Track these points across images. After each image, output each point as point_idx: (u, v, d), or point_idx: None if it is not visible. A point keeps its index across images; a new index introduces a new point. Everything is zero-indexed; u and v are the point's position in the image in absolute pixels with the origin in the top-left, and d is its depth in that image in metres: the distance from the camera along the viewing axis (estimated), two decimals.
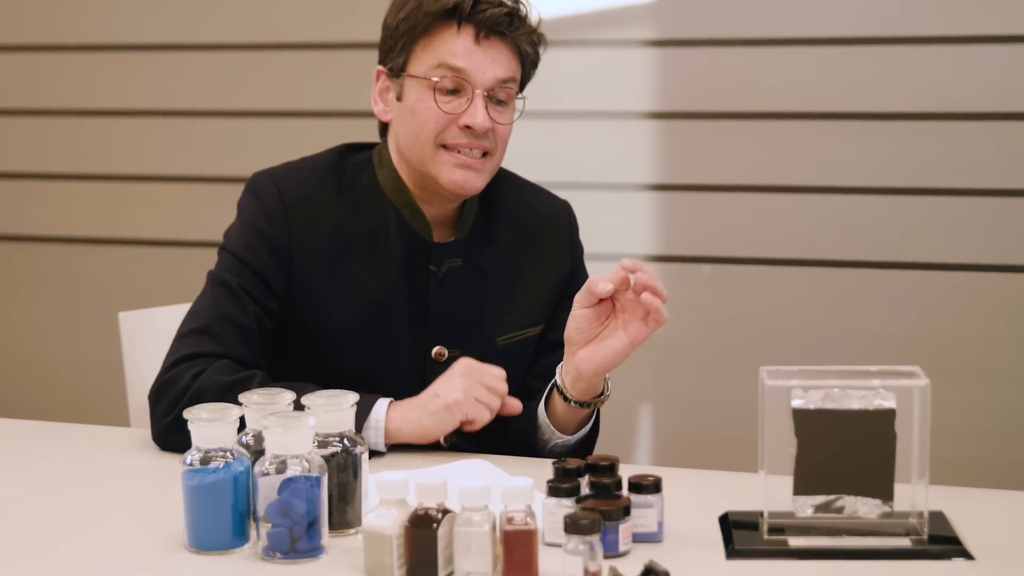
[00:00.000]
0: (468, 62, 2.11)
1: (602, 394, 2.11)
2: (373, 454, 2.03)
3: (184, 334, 2.15)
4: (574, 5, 3.41)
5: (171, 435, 2.06)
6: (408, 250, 2.19)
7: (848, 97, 3.24)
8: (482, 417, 2.05)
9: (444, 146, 2.13)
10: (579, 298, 2.03)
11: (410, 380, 2.18)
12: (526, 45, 2.16)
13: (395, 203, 2.20)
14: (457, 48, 2.11)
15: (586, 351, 2.03)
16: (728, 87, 3.31)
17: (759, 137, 3.30)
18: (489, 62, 2.12)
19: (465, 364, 2.08)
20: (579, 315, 2.03)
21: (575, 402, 2.10)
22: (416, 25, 2.13)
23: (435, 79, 2.11)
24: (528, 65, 2.19)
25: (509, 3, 2.14)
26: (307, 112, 3.60)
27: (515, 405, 2.11)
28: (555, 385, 2.12)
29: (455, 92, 2.12)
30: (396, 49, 2.16)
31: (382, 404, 2.05)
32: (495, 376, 2.07)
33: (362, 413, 2.02)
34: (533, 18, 2.18)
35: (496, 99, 2.14)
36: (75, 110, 3.79)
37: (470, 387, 2.05)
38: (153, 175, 3.75)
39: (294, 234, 2.17)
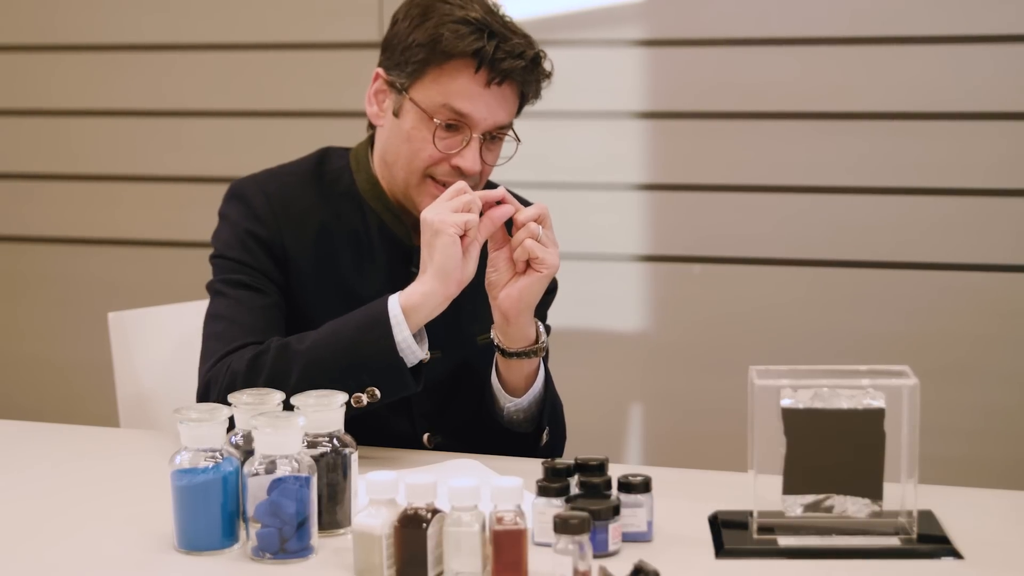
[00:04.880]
0: (473, 107, 2.09)
1: (537, 341, 2.12)
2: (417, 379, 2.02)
3: (209, 338, 2.13)
4: (563, 5, 3.41)
5: None
6: (389, 253, 2.20)
7: (838, 97, 3.25)
8: (471, 219, 1.99)
9: (431, 177, 2.14)
10: (490, 240, 2.06)
11: None
12: (531, 89, 2.16)
13: (375, 208, 2.21)
14: (465, 91, 2.09)
15: (505, 290, 2.06)
16: (718, 87, 3.31)
17: (749, 137, 3.31)
18: (493, 108, 2.11)
19: (422, 216, 2.02)
20: (493, 257, 2.07)
21: (511, 353, 2.10)
22: (431, 58, 2.10)
23: (437, 122, 2.10)
24: (527, 102, 2.19)
25: (528, 55, 2.11)
26: (296, 112, 3.59)
27: (503, 209, 2.04)
28: (493, 344, 2.13)
29: (452, 129, 2.11)
30: (405, 69, 2.12)
31: (392, 300, 2.02)
32: (450, 192, 2.02)
33: (380, 327, 2.00)
34: (546, 64, 2.16)
35: (490, 136, 2.14)
36: (65, 110, 3.78)
37: (438, 215, 2.00)
38: (143, 175, 3.74)
39: (285, 234, 2.18)
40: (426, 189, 2.13)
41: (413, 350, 2.01)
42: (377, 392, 2.00)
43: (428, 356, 2.04)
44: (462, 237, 1.99)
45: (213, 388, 2.05)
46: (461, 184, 2.02)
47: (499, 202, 2.03)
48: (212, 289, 2.19)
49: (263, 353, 2.03)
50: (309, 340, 2.03)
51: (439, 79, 2.11)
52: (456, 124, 2.11)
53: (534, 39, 2.16)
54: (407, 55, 2.12)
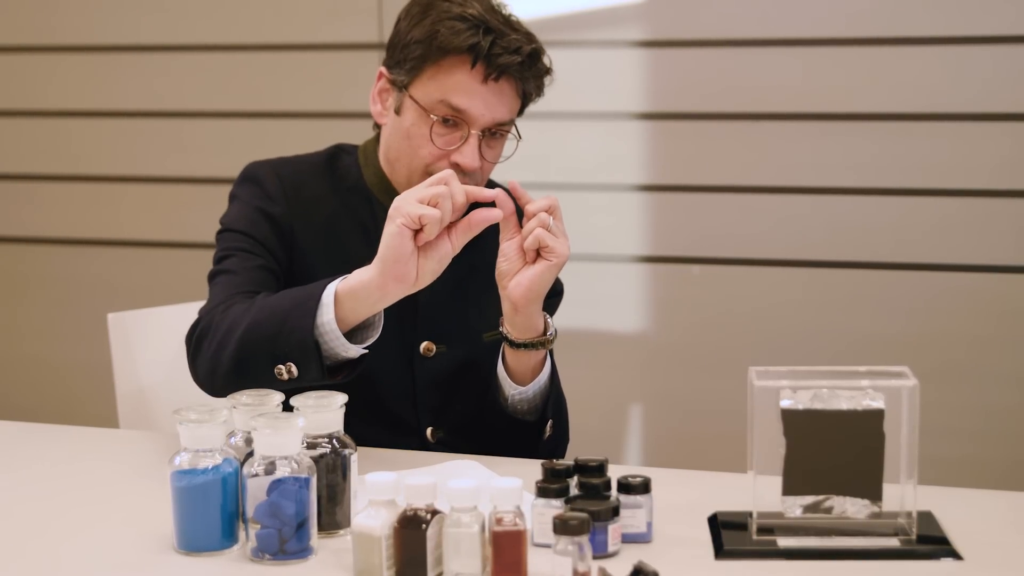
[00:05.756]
0: (471, 103, 2.09)
1: (545, 333, 2.11)
2: (336, 371, 1.97)
3: (213, 289, 2.13)
4: (564, 5, 3.41)
5: (211, 376, 2.03)
6: None
7: (837, 98, 3.25)
8: (428, 215, 1.87)
9: (432, 175, 2.13)
10: (502, 229, 2.04)
11: (399, 375, 2.20)
12: (532, 87, 2.15)
13: (383, 201, 2.21)
14: (462, 86, 2.09)
15: (515, 279, 2.04)
16: (718, 88, 3.31)
17: (749, 138, 3.31)
18: (491, 105, 2.10)
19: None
20: (504, 247, 2.05)
21: (519, 344, 2.10)
22: (428, 54, 2.10)
23: (434, 118, 2.10)
24: (529, 101, 2.18)
25: (525, 51, 2.11)
26: (296, 113, 3.60)
27: (491, 211, 1.97)
28: (501, 334, 2.12)
29: (451, 124, 2.11)
30: (404, 66, 2.13)
31: (333, 282, 1.95)
32: (430, 180, 1.93)
33: (309, 303, 1.93)
34: (545, 60, 2.15)
35: (490, 132, 2.13)
36: (65, 111, 3.78)
37: (399, 200, 1.91)
38: (143, 176, 3.75)
39: (295, 217, 2.19)
40: None
41: (336, 335, 1.93)
42: (294, 369, 1.94)
43: (357, 354, 1.97)
44: (419, 232, 1.90)
45: (197, 330, 2.05)
46: (446, 173, 1.93)
47: (494, 204, 1.98)
48: (217, 257, 2.19)
49: (242, 302, 2.03)
50: (268, 299, 2.01)
51: (436, 75, 2.11)
52: (454, 120, 2.11)
53: (536, 36, 2.15)
54: (406, 52, 2.13)
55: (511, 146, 2.18)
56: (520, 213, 2.04)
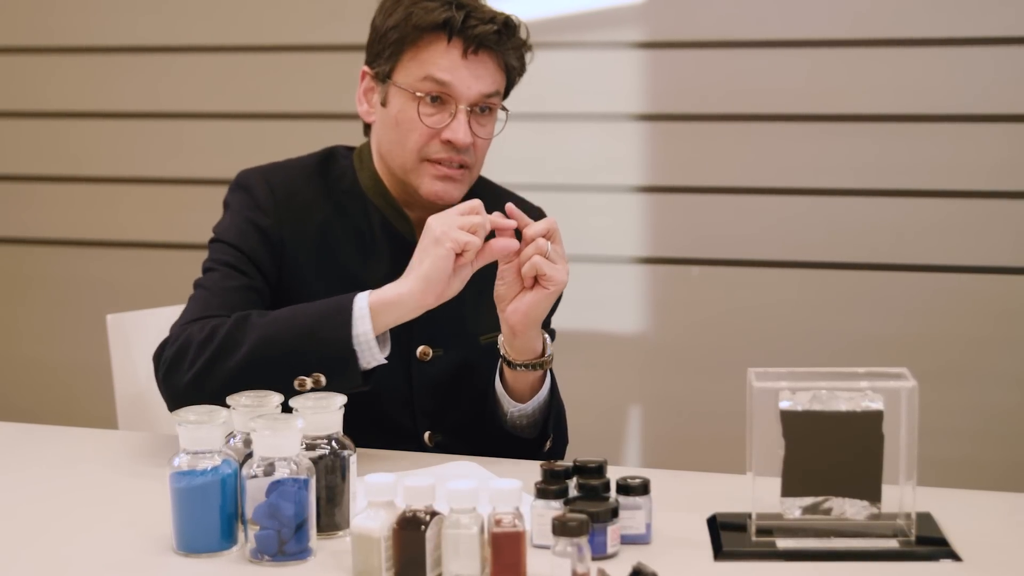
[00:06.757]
0: (454, 76, 2.12)
1: (543, 354, 2.13)
2: (366, 377, 2.00)
3: (188, 302, 2.15)
4: (562, 6, 3.41)
5: (193, 390, 2.01)
6: (392, 251, 2.20)
7: (836, 99, 3.25)
8: (472, 242, 1.98)
9: (426, 159, 2.14)
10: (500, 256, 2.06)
11: (396, 380, 2.19)
12: (513, 59, 2.18)
13: (378, 205, 2.22)
14: (444, 62, 2.12)
15: (513, 304, 2.06)
16: (717, 89, 3.31)
17: (748, 139, 3.31)
18: (475, 77, 2.13)
19: (429, 221, 2.02)
20: (503, 270, 2.07)
21: (518, 365, 2.11)
22: (405, 36, 2.14)
23: (420, 94, 2.13)
24: (513, 76, 2.21)
25: (499, 19, 2.14)
26: (295, 114, 3.60)
27: (507, 241, 2.03)
28: (500, 354, 2.14)
29: (439, 103, 2.13)
30: (384, 55, 2.17)
31: (361, 295, 2.01)
32: (464, 208, 2.01)
33: (341, 316, 1.99)
34: (522, 32, 2.19)
35: (479, 109, 2.15)
36: (64, 112, 3.78)
37: (444, 225, 2.00)
38: (142, 177, 3.74)
39: (285, 227, 2.19)
40: (424, 170, 2.15)
41: (371, 346, 1.99)
42: (322, 379, 1.97)
43: (385, 361, 2.02)
44: (459, 255, 1.98)
45: (169, 346, 2.05)
46: (476, 203, 2.01)
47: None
48: (204, 267, 2.20)
49: (223, 324, 2.03)
50: (269, 316, 2.03)
51: (417, 56, 2.14)
52: (440, 96, 2.13)
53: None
54: (384, 42, 2.16)
55: (500, 126, 2.20)
56: (519, 235, 2.05)
